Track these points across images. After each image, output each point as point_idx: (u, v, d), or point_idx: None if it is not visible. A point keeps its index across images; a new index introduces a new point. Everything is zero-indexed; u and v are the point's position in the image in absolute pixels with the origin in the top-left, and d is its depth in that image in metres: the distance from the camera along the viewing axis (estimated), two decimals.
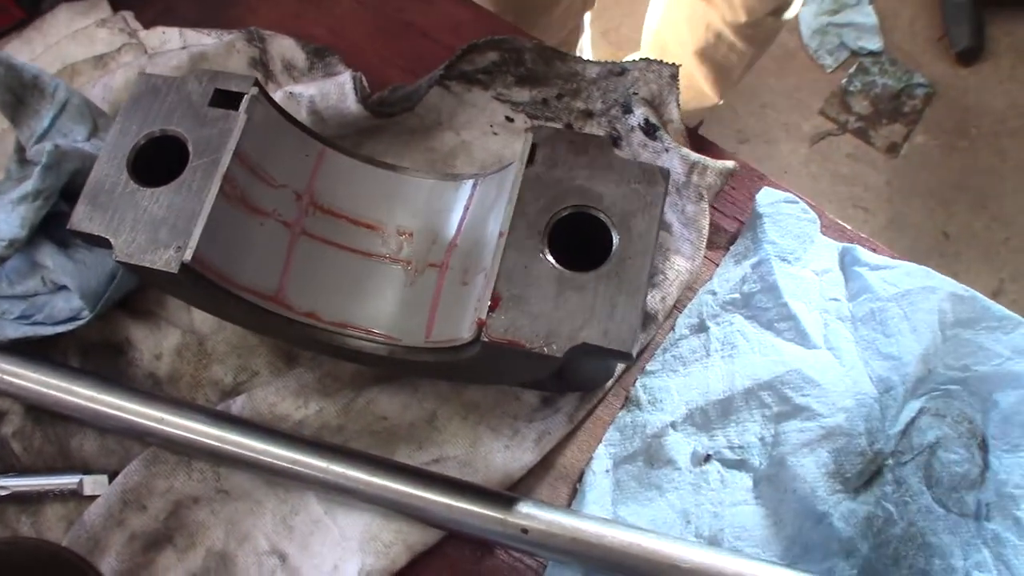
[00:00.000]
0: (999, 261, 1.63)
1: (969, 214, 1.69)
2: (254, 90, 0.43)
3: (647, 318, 0.52)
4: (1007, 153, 1.72)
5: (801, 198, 0.53)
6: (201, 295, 0.43)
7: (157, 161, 0.43)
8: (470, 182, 0.46)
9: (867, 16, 1.73)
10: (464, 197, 0.46)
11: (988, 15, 1.78)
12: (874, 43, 1.71)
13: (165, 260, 0.40)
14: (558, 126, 0.41)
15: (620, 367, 0.52)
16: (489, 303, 0.38)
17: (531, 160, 0.40)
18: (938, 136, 1.75)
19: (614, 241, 0.38)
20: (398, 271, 0.46)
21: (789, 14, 1.09)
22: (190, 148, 0.42)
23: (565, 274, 0.38)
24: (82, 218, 0.42)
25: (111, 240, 0.41)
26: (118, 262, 0.41)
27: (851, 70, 1.72)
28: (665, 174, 0.40)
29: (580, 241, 0.39)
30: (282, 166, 0.45)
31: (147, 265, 0.40)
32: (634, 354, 0.37)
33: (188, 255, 0.40)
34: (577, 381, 0.49)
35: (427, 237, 0.46)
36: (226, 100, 0.43)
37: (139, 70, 0.59)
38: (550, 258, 0.38)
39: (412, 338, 0.44)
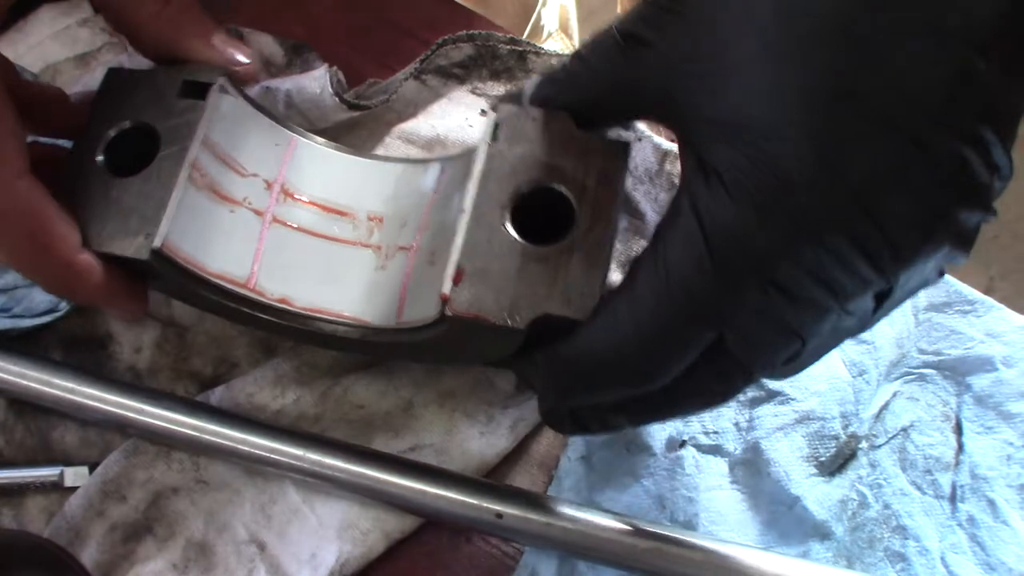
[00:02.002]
0: (988, 258, 1.64)
1: None
2: (222, 79, 0.44)
3: None
4: None
5: None
6: (173, 283, 0.43)
7: (131, 152, 0.43)
8: (438, 165, 0.47)
9: None
10: (432, 180, 0.46)
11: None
12: None
13: (135, 248, 0.40)
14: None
15: None
16: (452, 278, 0.38)
17: (495, 138, 0.40)
18: None
19: (576, 214, 0.39)
20: (369, 255, 0.46)
21: None
22: (161, 138, 0.43)
23: (528, 248, 0.39)
24: None
25: (83, 230, 0.41)
26: (93, 252, 0.42)
27: None
28: (626, 147, 0.40)
29: (544, 216, 0.39)
30: (252, 155, 0.46)
31: (118, 253, 0.41)
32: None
33: (157, 242, 0.40)
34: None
35: (397, 221, 0.47)
36: (195, 90, 0.44)
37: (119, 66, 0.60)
38: (513, 233, 0.39)
39: (384, 321, 0.45)
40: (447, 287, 0.38)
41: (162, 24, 0.46)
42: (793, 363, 0.35)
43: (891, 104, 0.29)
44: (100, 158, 0.43)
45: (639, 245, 0.54)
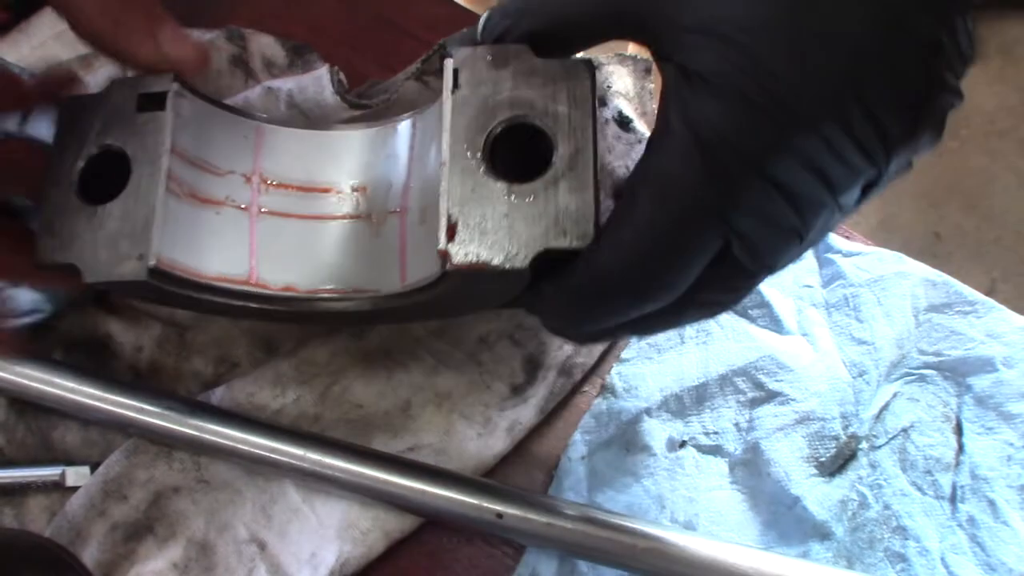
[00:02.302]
0: (990, 260, 1.64)
1: (960, 214, 1.69)
2: (174, 86, 0.43)
3: None
4: (997, 153, 1.72)
5: None
6: (176, 296, 0.43)
7: (105, 178, 0.43)
8: (408, 121, 0.46)
9: None
10: (406, 138, 0.46)
11: (977, 16, 1.79)
12: None
13: (132, 270, 0.40)
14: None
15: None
16: (446, 232, 0.38)
17: (456, 85, 0.40)
18: None
19: (555, 144, 0.38)
20: (361, 227, 0.46)
21: None
22: (131, 158, 0.42)
23: (513, 187, 0.38)
24: (46, 251, 0.42)
25: (78, 265, 0.41)
26: (90, 285, 0.41)
27: None
28: (589, 64, 0.39)
29: (524, 152, 0.39)
30: (223, 152, 0.45)
31: (116, 279, 0.40)
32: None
33: (151, 260, 0.40)
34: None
35: (381, 187, 0.46)
36: (152, 102, 0.43)
37: (120, 70, 0.59)
38: (493, 176, 0.38)
39: (390, 287, 0.44)
40: (443, 243, 0.38)
41: (104, 16, 0.44)
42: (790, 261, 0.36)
43: None
44: (75, 190, 0.42)
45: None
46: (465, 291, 0.42)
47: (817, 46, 0.30)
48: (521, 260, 0.37)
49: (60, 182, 0.42)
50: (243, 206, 0.45)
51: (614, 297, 0.37)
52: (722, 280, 0.35)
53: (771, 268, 0.35)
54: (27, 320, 0.52)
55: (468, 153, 0.39)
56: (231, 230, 0.45)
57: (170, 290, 0.42)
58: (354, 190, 0.47)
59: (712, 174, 0.32)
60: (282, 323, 0.52)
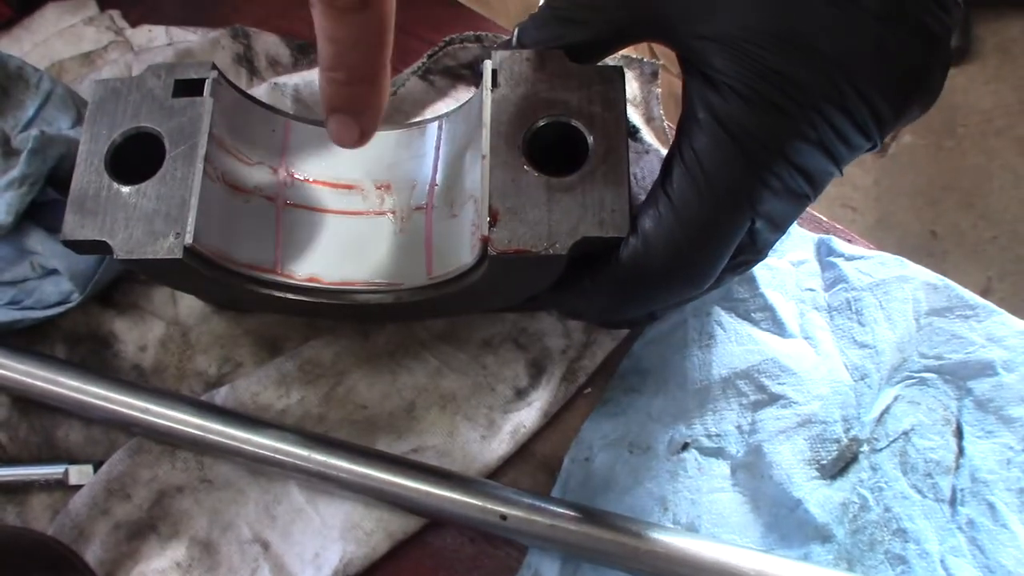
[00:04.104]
0: (987, 259, 1.65)
1: (957, 213, 1.70)
2: (214, 73, 0.44)
3: None
4: (994, 152, 1.73)
5: None
6: (204, 279, 0.44)
7: (133, 160, 0.44)
8: (435, 124, 0.48)
9: None
10: (432, 139, 0.48)
11: (975, 16, 1.79)
12: None
13: (167, 248, 0.41)
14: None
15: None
16: (488, 220, 0.40)
17: (495, 84, 0.42)
18: (926, 136, 1.76)
19: (589, 142, 0.41)
20: (385, 222, 0.48)
21: None
22: (165, 140, 0.43)
23: (552, 180, 0.41)
24: (73, 227, 0.42)
25: (108, 241, 0.41)
26: (120, 261, 0.42)
27: None
28: (620, 71, 0.42)
29: (558, 150, 0.42)
30: (253, 144, 0.47)
31: (150, 257, 0.41)
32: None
33: (189, 238, 0.41)
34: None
35: (406, 184, 0.48)
36: (188, 88, 0.44)
37: (125, 67, 0.60)
38: (533, 169, 0.41)
39: (415, 279, 0.46)
40: (485, 229, 0.40)
41: None
42: None
43: None
44: (108, 169, 0.43)
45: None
46: (496, 283, 0.43)
47: (815, 50, 0.35)
48: (560, 246, 0.40)
49: (91, 162, 0.43)
50: (270, 197, 0.46)
51: (657, 283, 0.40)
52: (746, 249, 0.40)
53: (784, 231, 0.41)
54: (56, 310, 0.52)
55: (508, 147, 0.41)
56: (259, 219, 0.46)
57: (200, 272, 0.43)
58: (378, 187, 0.48)
59: (748, 161, 0.37)
60: (306, 316, 0.53)
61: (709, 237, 0.38)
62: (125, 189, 0.42)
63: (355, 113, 0.39)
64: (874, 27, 0.35)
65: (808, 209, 0.54)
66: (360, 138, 0.40)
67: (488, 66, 0.43)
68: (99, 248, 0.42)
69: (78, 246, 0.42)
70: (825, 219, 0.56)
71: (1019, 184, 1.68)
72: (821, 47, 0.35)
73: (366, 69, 0.37)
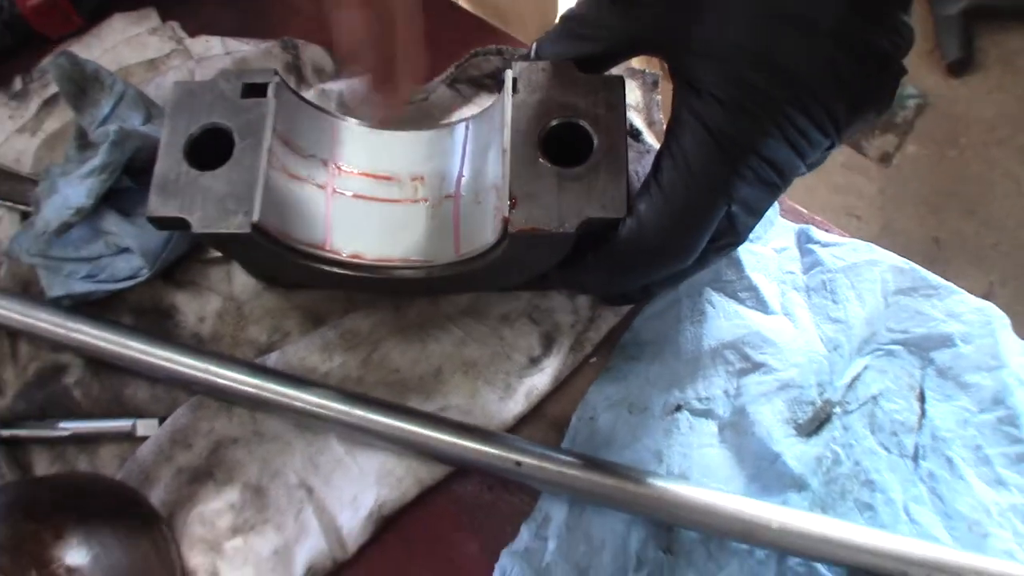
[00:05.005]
0: (988, 265, 1.70)
1: (959, 220, 1.74)
2: (276, 78, 0.52)
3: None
4: (996, 161, 1.77)
5: None
6: (264, 253, 0.51)
7: (208, 150, 0.51)
8: (462, 125, 0.56)
9: None
10: (460, 138, 0.56)
11: (978, 27, 1.84)
12: None
13: (238, 223, 0.48)
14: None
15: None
16: (509, 203, 0.47)
17: (515, 90, 0.50)
18: (929, 146, 1.80)
19: (594, 139, 0.49)
20: (419, 208, 0.55)
21: None
22: (235, 134, 0.50)
23: (562, 171, 0.48)
24: (157, 206, 0.50)
25: (186, 218, 0.49)
26: (197, 234, 0.49)
27: None
28: (621, 80, 0.50)
29: (568, 145, 0.49)
30: (307, 139, 0.54)
31: (222, 231, 0.48)
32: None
33: (255, 216, 0.48)
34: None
35: (437, 176, 0.55)
36: (254, 91, 0.52)
37: (187, 72, 0.67)
38: (547, 162, 0.48)
39: (444, 257, 0.53)
40: (506, 211, 0.47)
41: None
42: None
43: (809, 12, 0.42)
44: (186, 157, 0.50)
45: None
46: (514, 258, 0.51)
47: (783, 66, 0.42)
48: (569, 225, 0.47)
49: (172, 151, 0.51)
50: (321, 185, 0.54)
51: (649, 258, 0.48)
52: (727, 232, 0.47)
53: (759, 216, 0.48)
54: (126, 283, 0.60)
55: (525, 143, 0.49)
56: (311, 203, 0.53)
57: (263, 245, 0.50)
58: (412, 179, 0.56)
59: (725, 155, 0.44)
60: (348, 290, 0.61)
61: (692, 218, 0.46)
62: (201, 174, 0.50)
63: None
64: (832, 48, 0.42)
65: (789, 202, 0.61)
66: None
67: (509, 75, 0.50)
68: (178, 224, 0.49)
69: (160, 222, 0.50)
70: (805, 211, 0.62)
71: (1021, 192, 1.73)
72: (787, 64, 0.42)
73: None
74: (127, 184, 0.60)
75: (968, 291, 0.58)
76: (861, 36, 0.42)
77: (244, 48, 0.69)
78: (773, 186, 0.46)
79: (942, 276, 0.58)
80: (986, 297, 0.57)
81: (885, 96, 0.45)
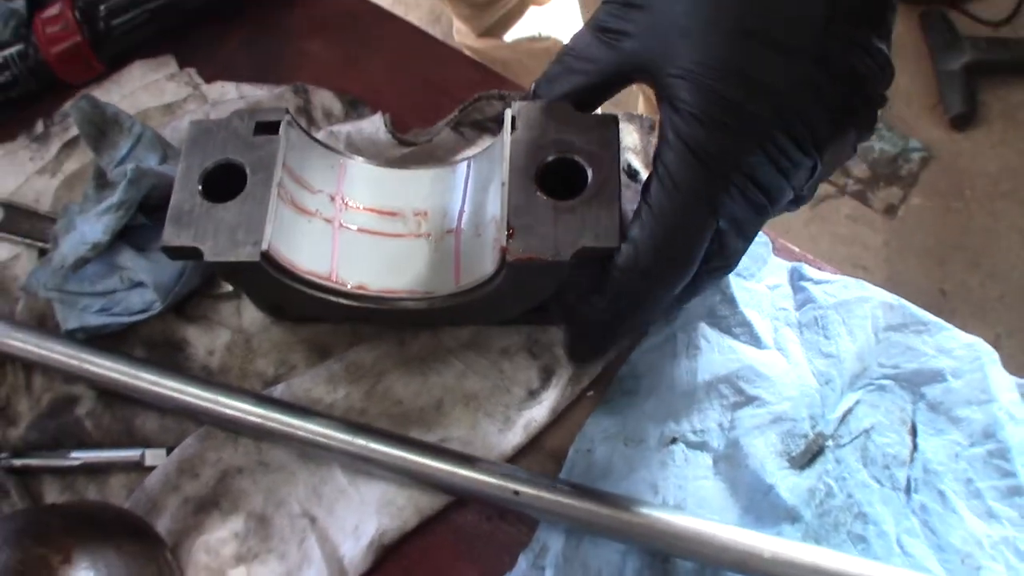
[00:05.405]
0: (994, 317, 1.70)
1: (965, 272, 1.75)
2: (287, 117, 0.55)
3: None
4: (1000, 214, 1.79)
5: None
6: (271, 283, 0.53)
7: (220, 184, 0.53)
8: (464, 163, 0.58)
9: None
10: (462, 176, 0.58)
11: (980, 82, 1.86)
12: None
13: (247, 253, 0.51)
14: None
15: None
16: (507, 233, 0.50)
17: (514, 128, 0.52)
18: (934, 198, 1.82)
19: (588, 174, 0.51)
20: (422, 242, 0.57)
21: None
22: (247, 169, 0.53)
23: (558, 203, 0.51)
24: (171, 236, 0.52)
25: (199, 247, 0.51)
26: (205, 266, 0.51)
27: None
28: (615, 119, 0.53)
29: (563, 181, 0.51)
30: (316, 175, 0.56)
31: (232, 259, 0.51)
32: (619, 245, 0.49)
33: (264, 246, 0.51)
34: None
35: (439, 212, 0.58)
36: (266, 128, 0.55)
37: (203, 116, 0.70)
38: (543, 195, 0.51)
39: (445, 289, 0.55)
40: (504, 241, 0.50)
41: None
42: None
43: (785, 32, 0.43)
44: (200, 190, 0.53)
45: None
46: (511, 289, 0.53)
47: (761, 83, 0.44)
48: (564, 255, 0.49)
49: (187, 185, 0.53)
50: (328, 219, 0.56)
51: (645, 281, 0.49)
52: (717, 254, 0.48)
53: (749, 239, 0.49)
54: (139, 317, 0.62)
55: (523, 178, 0.51)
56: (318, 236, 0.55)
57: (271, 275, 0.52)
58: (416, 214, 0.58)
59: (709, 172, 0.45)
60: (353, 320, 0.63)
61: (682, 234, 0.47)
62: (214, 207, 0.52)
63: None
64: (810, 68, 0.44)
65: (782, 241, 0.63)
66: None
67: (508, 114, 0.53)
68: (191, 254, 0.51)
69: (174, 252, 0.52)
70: (797, 250, 0.64)
71: None
72: (764, 80, 0.44)
73: None
74: (142, 221, 0.62)
75: (922, 309, 0.59)
76: (837, 55, 0.44)
77: (258, 93, 0.72)
78: (760, 206, 0.46)
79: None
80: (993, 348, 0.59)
81: (865, 119, 0.47)
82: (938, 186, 1.81)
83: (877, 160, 1.81)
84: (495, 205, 0.53)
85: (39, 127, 0.73)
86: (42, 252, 0.67)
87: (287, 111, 0.55)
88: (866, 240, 1.79)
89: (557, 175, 0.52)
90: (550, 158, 0.52)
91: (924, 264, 1.76)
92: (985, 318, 1.70)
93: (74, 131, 0.71)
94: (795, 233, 1.76)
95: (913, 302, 0.61)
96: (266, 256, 0.51)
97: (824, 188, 1.78)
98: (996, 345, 0.59)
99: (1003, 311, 1.72)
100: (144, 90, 0.74)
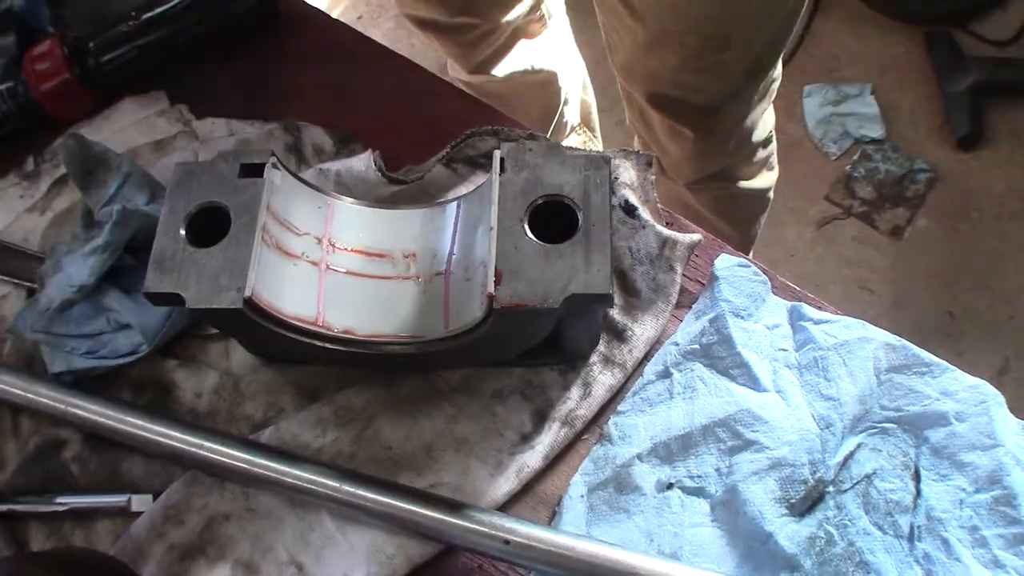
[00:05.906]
0: (1003, 339, 1.68)
1: (972, 294, 1.73)
2: (272, 159, 0.54)
3: (617, 367, 0.60)
4: (1008, 235, 1.77)
5: (753, 263, 0.61)
6: (256, 328, 0.52)
7: (204, 228, 0.52)
8: (454, 204, 0.57)
9: (869, 106, 1.82)
10: (451, 217, 0.57)
11: (986, 103, 1.85)
12: (876, 131, 1.79)
13: (230, 300, 0.50)
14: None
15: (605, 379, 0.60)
16: (494, 279, 0.48)
17: (503, 169, 0.51)
18: (940, 219, 1.80)
19: (579, 217, 0.50)
20: (411, 285, 0.56)
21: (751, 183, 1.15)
22: (231, 212, 0.52)
23: (547, 247, 0.49)
24: (153, 282, 0.51)
25: (181, 294, 0.50)
26: (191, 309, 0.50)
27: (855, 157, 1.80)
28: (607, 159, 0.52)
29: (553, 222, 0.50)
30: (302, 217, 0.55)
31: (215, 306, 0.50)
32: (612, 294, 0.48)
33: (247, 292, 0.50)
34: (568, 346, 0.58)
35: (429, 254, 0.57)
36: (251, 171, 0.54)
37: (192, 153, 0.69)
38: (533, 238, 0.50)
39: (434, 333, 0.54)
40: (491, 288, 0.48)
41: None
42: None
43: None
44: (184, 235, 0.52)
45: (631, 319, 0.62)
46: (501, 333, 0.51)
47: None
48: (553, 301, 0.48)
49: (170, 229, 0.52)
50: (315, 262, 0.55)
51: None
52: None
53: None
54: (127, 359, 0.61)
55: (512, 220, 0.50)
56: (305, 280, 0.54)
57: (256, 321, 0.51)
58: (405, 256, 0.57)
59: None
60: (340, 365, 0.61)
61: None
62: (197, 251, 0.51)
63: None
64: None
65: (781, 279, 0.62)
66: None
67: (497, 155, 0.52)
68: (173, 300, 0.50)
69: (156, 298, 0.51)
70: (798, 288, 0.63)
71: None
72: None
73: None
74: (129, 262, 0.62)
75: (984, 365, 0.58)
76: None
77: (248, 129, 0.71)
78: None
79: (957, 350, 0.59)
80: (1002, 372, 0.58)
81: None
82: (945, 207, 1.79)
83: (883, 181, 1.79)
84: (484, 247, 0.51)
85: (29, 164, 0.73)
86: (30, 292, 0.67)
87: (272, 153, 0.54)
88: (872, 262, 1.77)
89: (547, 217, 0.50)
90: (540, 200, 0.50)
91: (931, 286, 1.74)
92: (994, 340, 1.68)
93: (64, 168, 0.70)
94: (801, 256, 1.74)
95: (921, 324, 0.60)
96: (249, 302, 0.49)
97: (830, 210, 1.77)
98: (1005, 367, 0.58)
99: (1012, 333, 1.69)
100: (135, 127, 0.74)
